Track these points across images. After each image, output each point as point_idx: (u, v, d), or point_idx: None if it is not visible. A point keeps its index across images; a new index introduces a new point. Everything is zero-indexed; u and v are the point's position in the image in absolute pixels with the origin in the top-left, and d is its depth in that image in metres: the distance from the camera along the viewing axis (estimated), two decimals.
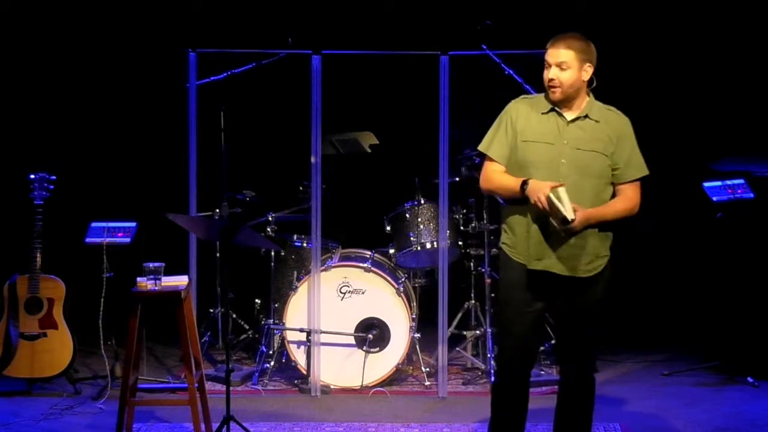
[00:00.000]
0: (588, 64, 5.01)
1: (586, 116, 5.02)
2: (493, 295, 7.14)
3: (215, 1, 8.23)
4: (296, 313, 6.99)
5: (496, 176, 5.08)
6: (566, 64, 4.97)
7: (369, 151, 7.68)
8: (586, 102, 5.05)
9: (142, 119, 8.28)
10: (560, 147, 4.99)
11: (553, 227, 4.94)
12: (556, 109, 5.04)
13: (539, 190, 4.89)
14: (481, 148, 5.14)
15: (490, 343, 7.13)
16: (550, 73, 4.99)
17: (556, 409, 5.27)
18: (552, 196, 4.85)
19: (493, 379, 6.34)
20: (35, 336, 6.81)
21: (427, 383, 7.00)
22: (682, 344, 7.79)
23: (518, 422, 5.21)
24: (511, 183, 5.02)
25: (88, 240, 6.92)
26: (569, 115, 5.03)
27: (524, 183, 4.96)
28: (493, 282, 7.15)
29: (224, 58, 7.06)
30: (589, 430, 5.24)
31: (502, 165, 5.08)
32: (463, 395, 6.91)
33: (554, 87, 5.00)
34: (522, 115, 5.07)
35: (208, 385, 6.31)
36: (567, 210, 4.85)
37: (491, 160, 5.10)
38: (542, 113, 5.05)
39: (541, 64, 5.04)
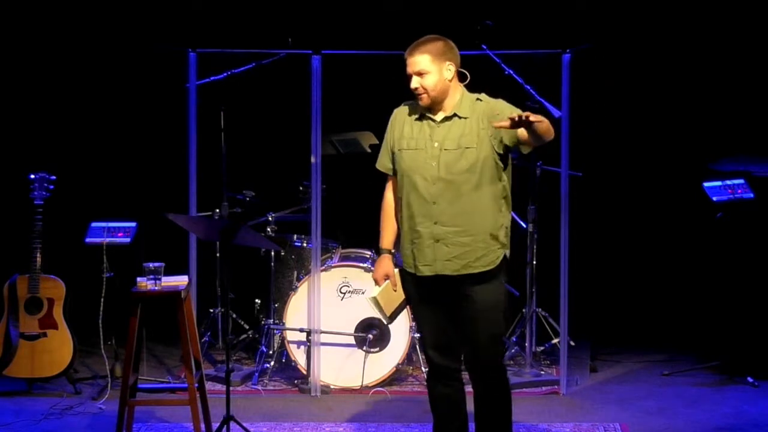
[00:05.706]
0: (448, 63, 4.98)
1: (455, 115, 5.01)
2: None
3: (215, 1, 8.22)
4: (296, 313, 6.99)
5: (385, 213, 5.18)
6: (424, 69, 4.96)
7: (369, 151, 7.67)
8: (457, 99, 5.03)
9: (142, 119, 8.28)
10: (430, 150, 4.99)
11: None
12: (427, 113, 5.04)
13: (379, 271, 5.17)
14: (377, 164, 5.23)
15: None
16: (413, 83, 4.98)
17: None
18: (371, 302, 5.19)
19: None
20: (35, 336, 6.81)
21: None
22: (682, 344, 7.78)
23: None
24: (384, 233, 5.17)
25: (88, 240, 6.92)
26: (439, 117, 5.03)
27: (382, 251, 5.15)
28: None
29: (224, 58, 7.06)
30: None
31: (392, 176, 5.14)
32: None
33: (420, 94, 4.99)
34: (399, 122, 5.11)
35: (208, 385, 6.31)
36: (384, 315, 5.23)
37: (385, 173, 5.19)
38: (415, 119, 5.07)
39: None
